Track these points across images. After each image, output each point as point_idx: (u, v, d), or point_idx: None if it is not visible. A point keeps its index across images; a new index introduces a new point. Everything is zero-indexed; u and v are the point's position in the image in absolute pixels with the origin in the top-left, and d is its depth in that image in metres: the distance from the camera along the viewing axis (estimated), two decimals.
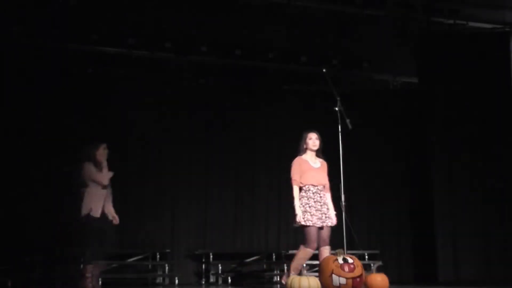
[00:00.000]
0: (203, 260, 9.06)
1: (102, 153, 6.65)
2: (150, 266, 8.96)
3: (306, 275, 5.55)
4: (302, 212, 6.07)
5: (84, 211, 6.39)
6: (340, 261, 5.26)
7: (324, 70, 6.43)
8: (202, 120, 9.44)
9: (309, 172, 6.23)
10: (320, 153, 6.38)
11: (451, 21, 9.35)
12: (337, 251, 5.46)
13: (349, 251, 5.68)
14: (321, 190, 6.22)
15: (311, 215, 6.05)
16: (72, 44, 8.78)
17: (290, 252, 8.87)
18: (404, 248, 9.65)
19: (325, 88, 6.39)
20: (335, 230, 6.23)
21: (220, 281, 8.91)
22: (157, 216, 8.96)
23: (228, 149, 9.49)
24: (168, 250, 8.83)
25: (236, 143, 9.51)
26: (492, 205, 9.01)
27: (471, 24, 9.48)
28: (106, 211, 6.54)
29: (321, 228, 6.06)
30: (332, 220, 6.15)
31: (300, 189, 6.20)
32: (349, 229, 6.24)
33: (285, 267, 9.01)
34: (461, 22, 9.42)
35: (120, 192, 8.78)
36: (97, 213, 6.42)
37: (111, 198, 6.69)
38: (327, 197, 6.27)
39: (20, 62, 8.57)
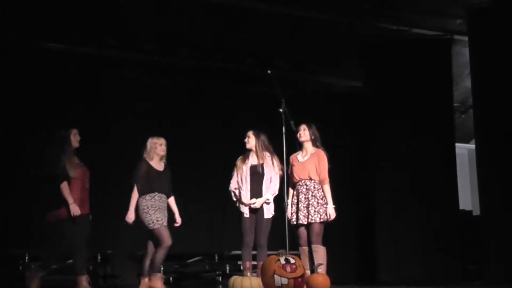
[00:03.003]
0: None
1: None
2: (91, 267, 8.78)
3: (248, 276, 5.55)
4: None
5: None
6: (282, 261, 5.27)
7: (269, 72, 6.45)
8: (151, 118, 9.25)
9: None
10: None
11: (395, 27, 9.54)
12: (279, 251, 5.47)
13: (291, 252, 5.70)
14: None
15: None
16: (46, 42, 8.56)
17: (233, 252, 8.86)
18: (346, 249, 9.77)
19: (270, 89, 6.38)
20: (277, 231, 6.26)
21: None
22: (99, 216, 8.76)
23: (175, 149, 9.35)
24: (109, 251, 8.69)
25: (181, 144, 9.37)
26: (432, 207, 9.23)
27: (415, 30, 9.70)
28: None
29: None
30: None
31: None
32: (292, 231, 6.28)
33: (227, 268, 9.00)
34: (404, 28, 9.62)
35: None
36: None
37: None
38: None
39: None
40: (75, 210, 6.05)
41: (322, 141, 6.37)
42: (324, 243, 6.14)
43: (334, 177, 6.35)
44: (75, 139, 6.31)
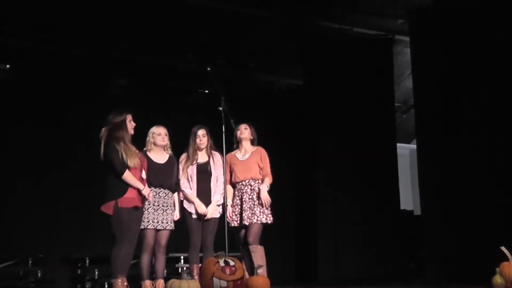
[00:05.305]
0: (79, 265, 8.60)
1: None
2: (21, 272, 8.41)
3: (186, 279, 5.34)
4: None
5: None
6: (221, 263, 5.11)
7: (208, 69, 6.30)
8: (73, 119, 8.90)
9: None
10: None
11: (337, 26, 9.53)
12: (218, 253, 5.30)
13: (230, 254, 5.56)
14: None
15: None
16: None
17: (170, 255, 8.62)
18: (286, 249, 9.71)
19: (210, 87, 6.22)
20: (217, 233, 6.07)
21: (96, 287, 8.52)
22: (29, 219, 8.40)
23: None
24: (41, 255, 8.32)
25: None
26: (373, 207, 9.24)
27: (356, 29, 9.70)
28: None
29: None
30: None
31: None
32: (231, 232, 6.11)
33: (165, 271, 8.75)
34: (346, 27, 9.61)
35: None
36: None
37: None
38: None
39: None
40: (148, 193, 5.57)
41: (263, 139, 6.29)
42: (264, 243, 6.00)
43: (274, 176, 6.23)
44: (130, 125, 5.68)
